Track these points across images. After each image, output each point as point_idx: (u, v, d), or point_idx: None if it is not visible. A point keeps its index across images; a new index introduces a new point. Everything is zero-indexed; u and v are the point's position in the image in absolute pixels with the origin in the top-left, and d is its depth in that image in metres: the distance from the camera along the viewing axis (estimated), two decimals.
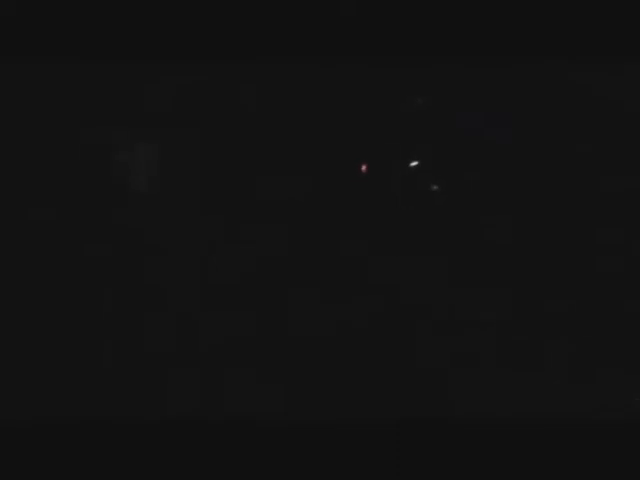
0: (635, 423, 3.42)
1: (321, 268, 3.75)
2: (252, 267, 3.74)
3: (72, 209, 3.69)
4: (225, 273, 3.75)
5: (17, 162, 3.68)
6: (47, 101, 3.68)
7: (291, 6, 3.51)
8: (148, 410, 3.48)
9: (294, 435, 3.41)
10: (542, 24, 3.55)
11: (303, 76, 3.70)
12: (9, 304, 3.59)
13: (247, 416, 3.45)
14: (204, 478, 3.34)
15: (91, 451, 3.35)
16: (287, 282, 3.72)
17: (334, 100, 3.77)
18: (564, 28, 3.55)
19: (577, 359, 3.65)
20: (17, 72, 3.62)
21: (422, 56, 3.60)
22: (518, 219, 3.77)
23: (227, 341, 3.65)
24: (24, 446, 3.33)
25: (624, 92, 3.72)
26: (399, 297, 3.72)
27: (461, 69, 3.69)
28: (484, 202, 3.81)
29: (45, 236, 3.67)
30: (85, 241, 3.68)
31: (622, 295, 3.69)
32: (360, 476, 3.37)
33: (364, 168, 3.82)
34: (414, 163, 3.80)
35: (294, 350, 3.65)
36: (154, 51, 3.51)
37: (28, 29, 3.49)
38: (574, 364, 3.65)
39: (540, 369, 3.65)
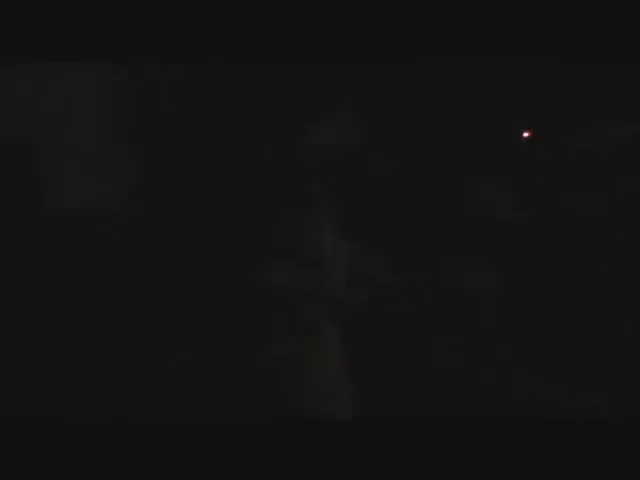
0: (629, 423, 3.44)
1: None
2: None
3: None
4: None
5: None
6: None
7: (290, 6, 3.52)
8: (145, 411, 3.49)
9: (292, 434, 3.42)
10: (543, 25, 3.55)
11: (302, 77, 3.71)
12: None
13: (244, 417, 3.46)
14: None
15: (87, 452, 3.36)
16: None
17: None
18: (565, 28, 3.55)
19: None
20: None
21: (423, 56, 3.60)
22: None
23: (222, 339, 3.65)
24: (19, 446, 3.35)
25: (624, 92, 3.73)
26: None
27: (461, 70, 3.70)
28: None
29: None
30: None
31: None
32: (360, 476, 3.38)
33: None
34: None
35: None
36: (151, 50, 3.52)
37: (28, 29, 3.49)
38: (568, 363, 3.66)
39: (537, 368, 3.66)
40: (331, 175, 3.75)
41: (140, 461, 3.35)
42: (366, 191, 3.78)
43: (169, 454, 3.37)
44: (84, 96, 3.71)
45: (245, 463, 3.37)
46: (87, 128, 3.71)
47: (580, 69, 3.72)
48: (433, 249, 3.78)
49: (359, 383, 3.64)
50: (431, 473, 3.37)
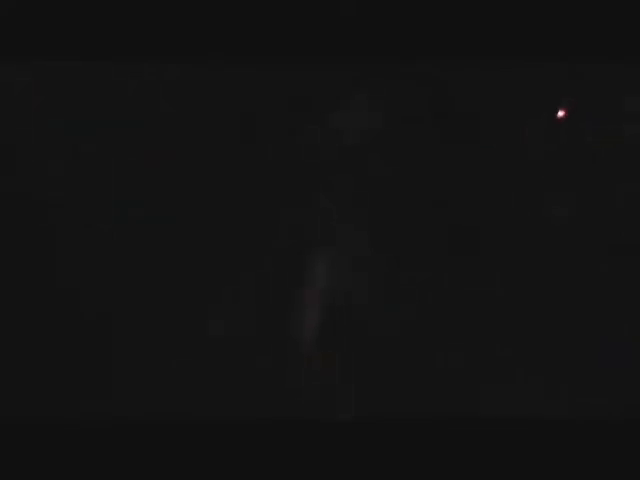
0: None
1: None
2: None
3: None
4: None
5: None
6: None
7: (290, 6, 3.52)
8: (145, 411, 3.49)
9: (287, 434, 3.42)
10: (543, 25, 3.56)
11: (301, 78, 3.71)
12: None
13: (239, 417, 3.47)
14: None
15: (87, 452, 3.36)
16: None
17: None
18: (565, 28, 3.55)
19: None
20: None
21: (423, 56, 3.60)
22: None
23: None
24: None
25: (624, 92, 3.73)
26: None
27: (461, 70, 3.70)
28: None
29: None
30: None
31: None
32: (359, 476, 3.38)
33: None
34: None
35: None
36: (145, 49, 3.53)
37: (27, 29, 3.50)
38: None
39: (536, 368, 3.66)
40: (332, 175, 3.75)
41: (140, 461, 3.35)
42: (366, 191, 3.78)
43: (169, 454, 3.37)
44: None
45: (245, 463, 3.37)
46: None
47: (580, 69, 3.72)
48: (434, 249, 3.78)
49: (359, 383, 3.64)
50: (431, 473, 3.37)
